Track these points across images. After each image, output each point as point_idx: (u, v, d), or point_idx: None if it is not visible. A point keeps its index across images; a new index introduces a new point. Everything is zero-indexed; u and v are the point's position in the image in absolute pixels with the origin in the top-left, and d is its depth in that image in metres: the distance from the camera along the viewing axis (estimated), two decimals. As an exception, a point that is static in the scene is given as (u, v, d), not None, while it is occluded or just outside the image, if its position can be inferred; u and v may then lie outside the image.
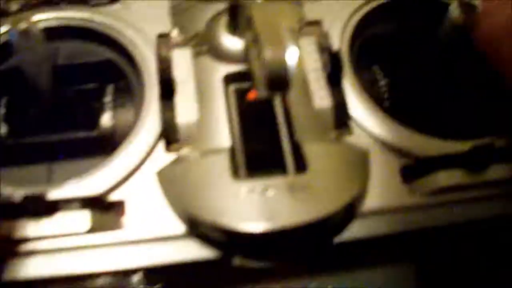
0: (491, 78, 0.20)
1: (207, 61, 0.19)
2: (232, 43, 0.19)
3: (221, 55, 0.19)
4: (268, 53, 0.16)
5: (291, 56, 0.16)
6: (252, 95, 0.19)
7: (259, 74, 0.17)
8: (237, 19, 0.19)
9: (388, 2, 0.21)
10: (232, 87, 0.19)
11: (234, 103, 0.19)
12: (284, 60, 0.16)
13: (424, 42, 0.20)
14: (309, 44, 0.19)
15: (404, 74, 0.21)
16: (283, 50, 0.16)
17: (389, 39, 0.21)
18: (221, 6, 0.20)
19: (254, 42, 0.17)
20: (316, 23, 0.19)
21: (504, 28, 0.19)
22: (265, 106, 0.19)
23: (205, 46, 0.19)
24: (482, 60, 0.20)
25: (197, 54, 0.19)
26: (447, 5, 0.19)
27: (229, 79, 0.19)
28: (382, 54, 0.21)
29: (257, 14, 0.17)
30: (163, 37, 0.20)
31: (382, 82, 0.21)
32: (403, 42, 0.21)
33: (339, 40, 0.19)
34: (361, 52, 0.20)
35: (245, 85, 0.19)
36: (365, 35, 0.21)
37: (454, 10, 0.18)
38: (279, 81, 0.16)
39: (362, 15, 0.20)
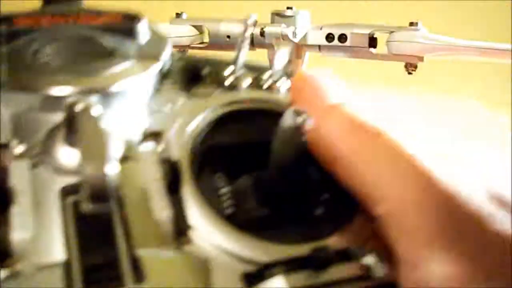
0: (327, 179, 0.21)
1: (45, 173, 0.19)
2: (70, 155, 0.19)
3: (59, 167, 0.19)
4: (88, 168, 0.16)
5: (113, 169, 0.16)
6: None
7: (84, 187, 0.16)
8: (73, 131, 0.19)
9: (228, 112, 0.22)
10: (70, 200, 0.19)
11: (72, 216, 0.19)
12: (104, 175, 0.16)
13: (264, 150, 0.21)
14: (150, 155, 0.19)
15: (246, 181, 0.21)
16: (103, 164, 0.16)
17: (231, 148, 0.22)
18: (61, 117, 0.20)
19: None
20: (157, 134, 0.20)
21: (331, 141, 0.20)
22: (103, 218, 0.19)
23: (43, 157, 0.19)
24: (318, 164, 0.21)
25: (35, 166, 0.19)
26: (281, 114, 0.20)
27: (66, 191, 0.19)
28: (225, 162, 0.21)
29: (85, 125, 0.17)
30: (1, 148, 0.19)
31: (224, 190, 0.21)
32: (245, 150, 0.22)
33: (179, 150, 0.19)
34: (203, 161, 0.21)
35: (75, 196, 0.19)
36: (207, 144, 0.21)
37: (288, 118, 0.19)
38: (100, 194, 0.16)
39: (204, 125, 0.21)
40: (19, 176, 0.18)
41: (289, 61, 0.69)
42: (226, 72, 0.23)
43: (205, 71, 0.23)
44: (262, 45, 0.67)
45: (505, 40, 0.59)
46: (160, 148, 0.19)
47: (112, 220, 0.18)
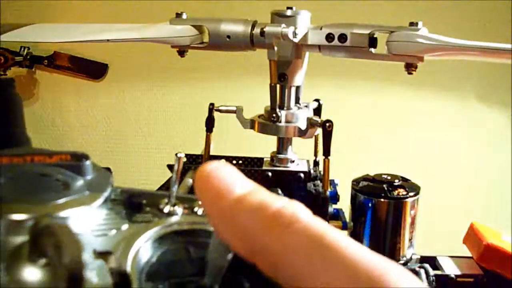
0: None
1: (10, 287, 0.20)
2: (33, 273, 0.21)
3: (23, 281, 0.20)
4: (66, 258, 0.18)
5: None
6: None
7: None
8: (38, 248, 0.21)
9: (168, 233, 0.25)
10: None
11: None
12: (82, 263, 0.18)
13: (200, 263, 0.24)
14: (101, 269, 0.21)
15: None
16: (80, 255, 0.18)
17: (172, 262, 0.24)
18: (20, 239, 0.22)
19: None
20: (105, 253, 0.22)
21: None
22: None
23: (9, 275, 0.20)
24: None
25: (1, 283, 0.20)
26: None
27: None
28: (171, 273, 0.24)
29: (59, 230, 0.20)
30: None
31: None
32: (184, 264, 0.24)
33: (126, 266, 0.22)
34: (147, 275, 0.23)
35: None
36: (150, 260, 0.23)
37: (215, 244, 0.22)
38: (76, 282, 0.18)
39: (147, 244, 0.24)
40: None
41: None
42: (163, 202, 0.27)
43: (144, 201, 0.27)
44: (262, 45, 0.67)
45: (505, 40, 0.59)
46: (110, 264, 0.22)
47: None
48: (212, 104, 0.76)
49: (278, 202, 0.19)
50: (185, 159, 0.28)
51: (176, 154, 0.27)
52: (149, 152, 1.19)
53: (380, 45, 0.65)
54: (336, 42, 0.65)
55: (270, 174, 0.70)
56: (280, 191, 0.68)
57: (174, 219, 0.26)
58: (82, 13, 1.12)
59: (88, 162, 0.27)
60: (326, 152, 0.69)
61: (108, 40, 0.68)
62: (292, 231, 0.18)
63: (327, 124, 0.68)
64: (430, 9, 1.05)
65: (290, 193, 0.69)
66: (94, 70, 1.13)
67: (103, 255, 0.22)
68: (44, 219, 0.21)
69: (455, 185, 1.15)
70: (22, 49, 1.09)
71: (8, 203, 0.23)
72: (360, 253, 0.17)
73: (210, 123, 0.77)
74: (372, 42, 0.64)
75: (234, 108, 0.74)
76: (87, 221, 0.24)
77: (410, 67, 0.64)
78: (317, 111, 0.77)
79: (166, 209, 0.27)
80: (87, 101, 1.18)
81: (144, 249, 0.23)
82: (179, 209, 0.27)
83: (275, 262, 0.18)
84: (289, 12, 0.67)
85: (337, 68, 1.10)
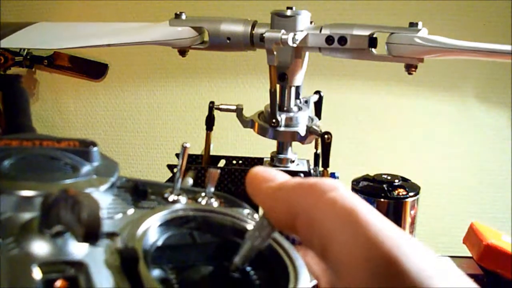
0: None
1: (21, 257, 0.20)
2: (44, 246, 0.21)
3: (33, 253, 0.20)
4: (84, 211, 0.19)
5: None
6: (60, 284, 0.20)
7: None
8: (49, 222, 0.21)
9: (171, 218, 0.25)
10: (42, 277, 0.20)
11: None
12: (99, 216, 0.19)
13: (204, 248, 0.25)
14: (108, 247, 0.22)
15: (191, 272, 0.24)
16: (98, 208, 0.19)
17: (176, 246, 0.25)
18: (31, 215, 0.22)
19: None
20: (112, 234, 0.23)
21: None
22: None
23: (18, 247, 0.21)
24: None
25: (10, 254, 0.20)
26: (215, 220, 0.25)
27: (43, 269, 0.20)
28: (176, 257, 0.24)
29: (80, 195, 0.20)
30: None
31: (174, 280, 0.23)
32: (188, 248, 0.25)
33: (133, 245, 0.22)
34: (156, 255, 0.23)
35: (54, 275, 0.20)
36: (155, 244, 0.24)
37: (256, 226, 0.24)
38: (93, 233, 0.19)
39: (152, 228, 0.24)
40: None
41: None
42: (167, 191, 0.28)
43: (149, 190, 0.28)
44: (262, 45, 0.67)
45: (505, 40, 0.59)
46: (116, 244, 0.22)
47: None
48: (212, 103, 0.76)
49: (315, 179, 0.23)
50: (189, 148, 0.29)
51: (182, 144, 0.28)
52: (149, 152, 1.19)
53: (380, 45, 0.65)
54: (336, 44, 0.65)
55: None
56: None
57: (178, 206, 0.26)
58: (82, 13, 1.12)
59: (95, 149, 0.28)
60: (325, 164, 0.69)
61: (108, 45, 0.68)
62: (328, 196, 0.21)
63: (326, 136, 0.67)
64: (430, 9, 1.05)
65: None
66: (94, 70, 1.13)
67: (109, 235, 0.23)
68: (54, 192, 0.21)
69: (455, 185, 1.15)
70: (22, 49, 1.09)
71: (17, 181, 0.23)
72: (384, 232, 0.19)
73: (210, 122, 0.77)
74: (372, 42, 0.64)
75: (234, 107, 0.74)
76: None
77: (410, 68, 0.64)
78: (318, 104, 0.76)
79: (171, 198, 0.28)
80: (87, 101, 1.18)
81: (149, 233, 0.23)
82: (183, 198, 0.28)
83: (311, 224, 0.21)
84: (289, 12, 0.67)
85: (337, 68, 1.10)
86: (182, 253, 0.25)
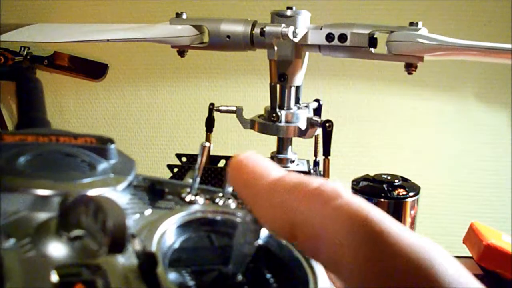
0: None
1: (37, 259, 0.19)
2: (61, 247, 0.20)
3: (51, 256, 0.20)
4: (110, 220, 0.18)
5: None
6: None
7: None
8: (67, 223, 0.20)
9: (190, 220, 0.24)
10: (59, 280, 0.19)
11: None
12: (125, 225, 0.18)
13: (222, 250, 0.24)
14: (126, 250, 0.21)
15: (210, 276, 0.23)
16: (124, 217, 0.19)
17: (194, 249, 0.24)
18: (47, 215, 0.22)
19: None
20: (132, 235, 0.22)
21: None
22: None
23: (34, 250, 0.20)
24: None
25: (26, 256, 0.20)
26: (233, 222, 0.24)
27: (60, 272, 0.19)
28: (193, 260, 0.23)
29: (103, 200, 0.19)
30: None
31: (191, 283, 0.22)
32: (206, 250, 0.24)
33: (151, 248, 0.22)
34: (174, 257, 0.23)
35: (71, 278, 0.19)
36: (173, 246, 0.23)
37: (249, 214, 0.22)
38: (118, 243, 0.18)
39: (170, 230, 0.23)
40: (11, 264, 0.19)
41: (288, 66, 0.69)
42: (184, 191, 0.27)
43: (166, 189, 0.27)
44: (262, 45, 0.67)
45: (505, 41, 0.59)
46: (134, 246, 0.21)
47: None
48: (212, 104, 0.76)
49: (317, 180, 0.20)
50: (209, 147, 0.28)
51: (201, 143, 0.27)
52: (149, 152, 1.19)
53: (380, 45, 0.65)
54: (336, 42, 0.65)
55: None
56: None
57: (196, 207, 0.25)
58: (82, 13, 1.12)
59: (113, 146, 0.27)
60: (326, 152, 0.69)
61: (108, 40, 0.68)
62: (334, 205, 0.18)
63: (327, 124, 0.68)
64: (430, 9, 1.05)
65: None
66: (94, 70, 1.13)
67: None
68: (74, 193, 0.21)
69: (455, 185, 1.15)
70: (22, 49, 1.09)
71: (33, 179, 0.23)
72: (402, 237, 0.17)
73: (210, 123, 0.77)
74: (372, 42, 0.64)
75: (234, 108, 0.75)
76: None
77: (410, 67, 0.64)
78: (317, 111, 0.77)
79: (188, 198, 0.27)
80: (87, 101, 1.18)
81: (167, 234, 0.23)
82: (200, 199, 0.27)
83: (316, 235, 0.19)
84: (289, 12, 0.67)
85: (337, 68, 1.10)
86: (200, 256, 0.24)
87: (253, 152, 0.22)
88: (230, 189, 0.27)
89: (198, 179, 0.27)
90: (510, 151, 1.11)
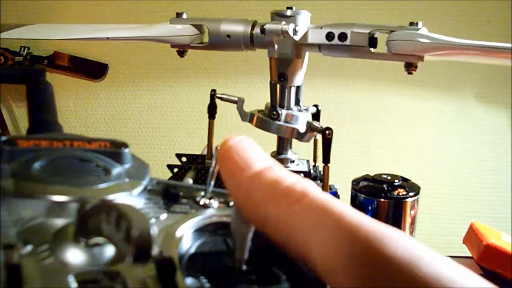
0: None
1: (55, 266, 0.19)
2: (79, 254, 0.20)
3: (69, 263, 0.20)
4: (135, 229, 0.18)
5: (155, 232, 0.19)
6: None
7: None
8: (86, 229, 0.20)
9: (206, 224, 0.24)
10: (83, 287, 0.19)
11: None
12: (150, 234, 0.18)
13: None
14: None
15: (228, 284, 0.23)
16: (149, 226, 0.18)
17: (211, 254, 0.24)
18: (64, 221, 0.22)
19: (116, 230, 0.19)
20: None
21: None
22: None
23: (52, 257, 0.20)
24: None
25: (45, 263, 0.20)
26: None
27: (75, 280, 0.19)
28: (210, 265, 0.23)
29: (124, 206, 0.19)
30: (9, 248, 0.20)
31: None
32: (223, 255, 0.24)
33: (168, 253, 0.21)
34: (191, 262, 0.23)
35: (90, 286, 0.19)
36: (189, 251, 0.23)
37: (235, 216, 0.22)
38: (144, 253, 0.18)
39: (186, 235, 0.23)
40: (29, 271, 0.19)
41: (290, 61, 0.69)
42: (199, 194, 0.27)
43: (181, 193, 0.27)
44: (262, 44, 0.67)
45: (505, 41, 0.59)
46: (152, 252, 0.21)
47: None
48: (213, 90, 0.75)
49: (291, 178, 0.21)
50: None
51: (216, 147, 0.27)
52: (149, 152, 1.19)
53: (380, 45, 0.65)
54: (336, 41, 0.65)
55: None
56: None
57: (211, 211, 0.25)
58: (82, 13, 1.12)
59: (127, 150, 0.27)
60: (326, 160, 0.69)
61: (108, 38, 0.68)
62: (301, 204, 0.20)
63: (327, 132, 0.67)
64: (430, 9, 1.05)
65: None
66: (94, 70, 1.13)
67: None
68: (92, 199, 0.20)
69: (455, 185, 1.15)
70: (22, 49, 1.09)
71: (49, 185, 0.23)
72: (361, 220, 0.18)
73: (212, 110, 0.77)
74: (372, 41, 0.64)
75: (236, 98, 0.74)
76: None
77: (410, 67, 0.63)
78: (316, 116, 0.76)
79: (202, 202, 0.27)
80: (87, 101, 1.18)
81: (184, 239, 0.23)
82: (214, 202, 0.27)
83: (284, 231, 0.20)
84: (289, 12, 0.67)
85: (337, 68, 1.10)
86: (216, 260, 0.24)
87: (244, 138, 0.23)
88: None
89: (212, 183, 0.27)
90: (510, 151, 1.11)
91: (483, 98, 1.11)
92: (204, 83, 1.14)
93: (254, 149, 0.22)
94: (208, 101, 0.77)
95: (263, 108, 0.73)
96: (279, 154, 0.74)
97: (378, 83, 1.11)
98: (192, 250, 0.23)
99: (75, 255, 0.20)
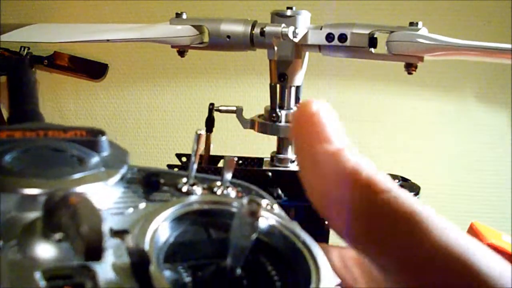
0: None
1: (23, 262, 0.19)
2: (47, 249, 0.20)
3: (37, 258, 0.19)
4: (84, 226, 0.17)
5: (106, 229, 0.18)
6: None
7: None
8: (52, 223, 0.20)
9: (186, 212, 0.23)
10: (47, 285, 0.18)
11: None
12: (101, 231, 0.17)
13: (220, 244, 0.23)
14: (117, 248, 0.20)
15: (208, 271, 0.22)
16: (100, 222, 0.18)
17: (191, 243, 0.23)
18: (34, 215, 0.21)
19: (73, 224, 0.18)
20: (122, 232, 0.21)
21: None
22: None
23: (20, 252, 0.19)
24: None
25: (12, 259, 0.19)
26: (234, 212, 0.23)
27: (44, 277, 0.19)
28: (190, 255, 0.23)
29: (79, 201, 0.19)
30: None
31: (188, 279, 0.22)
32: (203, 245, 0.23)
33: (145, 245, 0.20)
34: (170, 252, 0.22)
35: (60, 282, 0.19)
36: (169, 241, 0.22)
37: (244, 206, 0.21)
38: (95, 250, 0.17)
39: (165, 223, 0.22)
40: None
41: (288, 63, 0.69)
42: (181, 181, 0.26)
43: (162, 180, 0.26)
44: (262, 45, 0.67)
45: (505, 41, 0.59)
46: (126, 243, 0.20)
47: None
48: (212, 104, 0.76)
49: (371, 168, 0.20)
50: (204, 135, 0.27)
51: (196, 131, 0.26)
52: (149, 152, 1.19)
53: (380, 45, 0.65)
54: (336, 42, 0.65)
55: (270, 174, 0.70)
56: (280, 191, 0.68)
57: (193, 198, 0.24)
58: (82, 13, 1.12)
59: (104, 138, 0.26)
60: None
61: (108, 40, 0.68)
62: (383, 198, 0.19)
63: None
64: (430, 9, 1.05)
65: (290, 193, 0.69)
66: (94, 70, 1.13)
67: (119, 233, 0.21)
68: (58, 192, 0.20)
69: (455, 185, 1.15)
70: (22, 49, 1.09)
71: (20, 178, 0.22)
72: (448, 236, 0.18)
73: (210, 123, 0.77)
74: (372, 42, 0.64)
75: (234, 108, 0.75)
76: (103, 199, 0.23)
77: (410, 67, 0.64)
78: None
79: (185, 189, 0.26)
80: (87, 101, 1.18)
81: (162, 229, 0.22)
82: (198, 189, 0.26)
83: (358, 221, 0.19)
84: (289, 12, 0.67)
85: (337, 68, 1.10)
86: (196, 250, 0.23)
87: (326, 106, 0.21)
88: (228, 177, 0.26)
89: (194, 167, 0.26)
90: (510, 151, 1.11)
91: (483, 98, 1.11)
92: (204, 83, 1.14)
93: (335, 122, 0.21)
94: (208, 101, 0.77)
95: (262, 112, 0.73)
96: (279, 154, 0.74)
97: (378, 83, 1.11)
98: (172, 240, 0.22)
99: (43, 250, 0.19)
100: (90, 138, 0.26)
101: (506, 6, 1.04)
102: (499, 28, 1.04)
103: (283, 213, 0.26)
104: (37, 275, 0.18)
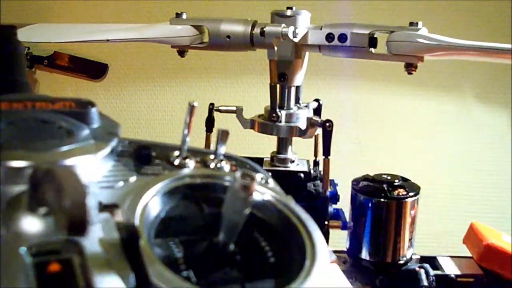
0: None
1: (8, 237, 0.18)
2: (32, 222, 0.19)
3: (21, 233, 0.18)
4: (68, 199, 0.17)
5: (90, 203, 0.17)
6: (53, 267, 0.18)
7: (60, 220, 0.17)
8: (37, 196, 0.19)
9: (178, 186, 0.23)
10: (35, 260, 0.18)
11: (35, 277, 0.17)
12: (85, 204, 0.17)
13: (212, 218, 0.22)
14: (107, 223, 0.19)
15: (200, 246, 0.22)
16: (84, 196, 0.17)
17: (182, 218, 0.22)
18: (20, 188, 0.20)
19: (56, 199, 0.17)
20: (112, 206, 0.20)
21: None
22: (67, 278, 0.17)
23: (5, 225, 0.18)
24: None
25: None
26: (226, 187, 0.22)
27: (31, 251, 0.18)
28: (181, 229, 0.22)
29: (63, 173, 0.18)
30: None
31: (179, 255, 0.21)
32: (195, 219, 0.23)
33: (135, 219, 0.20)
34: (156, 230, 0.21)
35: (46, 258, 0.18)
36: (160, 215, 0.22)
37: (237, 180, 0.20)
38: (78, 224, 0.17)
39: (156, 197, 0.22)
40: None
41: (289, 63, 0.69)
42: (173, 154, 0.25)
43: (153, 153, 0.25)
44: (262, 45, 0.67)
45: (505, 40, 0.59)
46: (116, 217, 0.20)
47: (74, 278, 0.17)
48: (212, 104, 0.76)
49: None
50: (196, 107, 0.26)
51: (189, 103, 0.25)
52: (149, 152, 1.19)
53: (380, 45, 0.65)
54: (336, 42, 0.65)
55: (270, 174, 0.70)
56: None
57: (185, 171, 0.24)
58: (82, 13, 1.12)
59: (94, 110, 0.25)
60: (326, 152, 0.69)
61: (108, 40, 0.68)
62: None
63: (327, 124, 0.68)
64: (430, 9, 1.05)
65: (290, 193, 0.69)
66: (94, 70, 1.13)
67: (109, 208, 0.20)
68: (44, 165, 0.19)
69: (455, 185, 1.15)
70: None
71: (7, 150, 0.21)
72: None
73: (210, 123, 0.77)
74: (372, 42, 0.64)
75: (234, 108, 0.74)
76: (92, 172, 0.22)
77: (410, 67, 0.63)
78: (317, 111, 0.76)
79: (177, 162, 0.25)
80: (87, 101, 1.18)
81: (153, 203, 0.21)
82: (190, 162, 0.25)
83: None
84: (289, 12, 0.67)
85: (337, 68, 1.10)
86: (188, 225, 0.22)
87: None
88: (222, 151, 0.26)
89: (187, 140, 0.25)
90: (510, 151, 1.11)
91: (483, 98, 1.11)
92: (204, 83, 1.14)
93: None
94: (208, 101, 0.77)
95: (262, 112, 0.73)
96: (279, 154, 0.74)
97: (378, 83, 1.11)
98: (163, 215, 0.22)
99: (28, 226, 0.19)
100: (79, 110, 0.25)
101: (506, 6, 1.04)
102: (499, 28, 1.04)
103: (278, 188, 0.25)
104: (22, 251, 0.17)
